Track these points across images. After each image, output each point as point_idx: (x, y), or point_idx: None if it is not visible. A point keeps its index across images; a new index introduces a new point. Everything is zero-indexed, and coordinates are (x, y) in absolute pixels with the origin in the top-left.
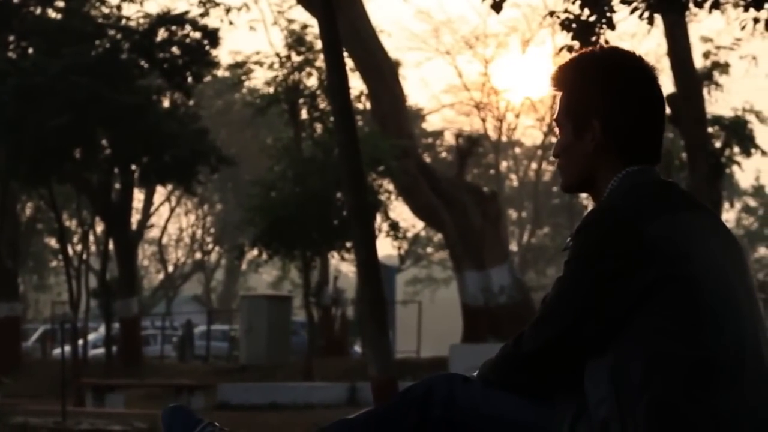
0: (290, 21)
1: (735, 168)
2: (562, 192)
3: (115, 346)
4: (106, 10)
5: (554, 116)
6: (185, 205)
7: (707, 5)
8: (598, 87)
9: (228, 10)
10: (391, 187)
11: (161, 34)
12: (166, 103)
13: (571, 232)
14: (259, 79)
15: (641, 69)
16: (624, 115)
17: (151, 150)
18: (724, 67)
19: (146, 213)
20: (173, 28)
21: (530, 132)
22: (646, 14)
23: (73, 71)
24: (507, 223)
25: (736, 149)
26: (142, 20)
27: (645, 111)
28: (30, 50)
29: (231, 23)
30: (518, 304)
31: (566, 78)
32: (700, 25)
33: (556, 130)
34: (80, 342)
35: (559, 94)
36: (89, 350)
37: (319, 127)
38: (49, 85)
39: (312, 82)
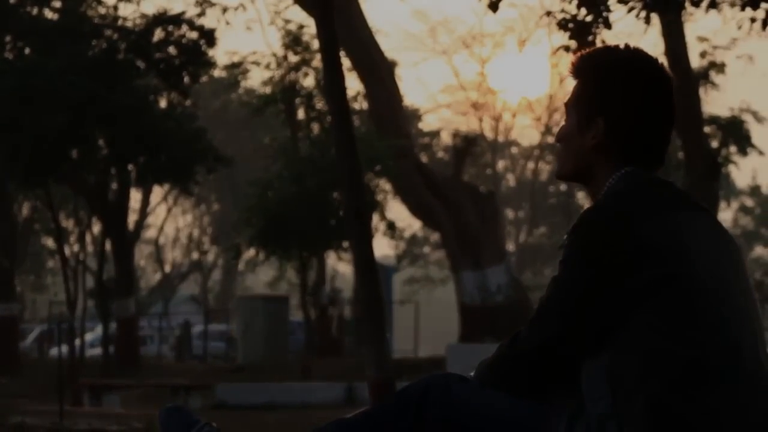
0: (287, 21)
1: (732, 167)
2: (556, 178)
3: (112, 346)
4: (102, 11)
5: (565, 101)
6: (182, 205)
7: (704, 5)
8: (610, 87)
9: (225, 10)
10: (388, 186)
11: (158, 34)
12: (163, 104)
13: (567, 231)
14: (256, 79)
15: (656, 77)
16: (629, 121)
17: (148, 150)
18: (720, 67)
19: (143, 213)
20: (170, 28)
21: (527, 132)
22: (643, 14)
23: (69, 71)
24: (504, 223)
25: (733, 149)
26: (138, 20)
27: (652, 119)
28: (27, 50)
29: (228, 23)
30: (515, 304)
31: (583, 69)
32: (697, 24)
33: (564, 115)
34: (77, 342)
35: (574, 82)
36: (86, 350)
37: (316, 127)
38: (46, 86)
39: (309, 82)
